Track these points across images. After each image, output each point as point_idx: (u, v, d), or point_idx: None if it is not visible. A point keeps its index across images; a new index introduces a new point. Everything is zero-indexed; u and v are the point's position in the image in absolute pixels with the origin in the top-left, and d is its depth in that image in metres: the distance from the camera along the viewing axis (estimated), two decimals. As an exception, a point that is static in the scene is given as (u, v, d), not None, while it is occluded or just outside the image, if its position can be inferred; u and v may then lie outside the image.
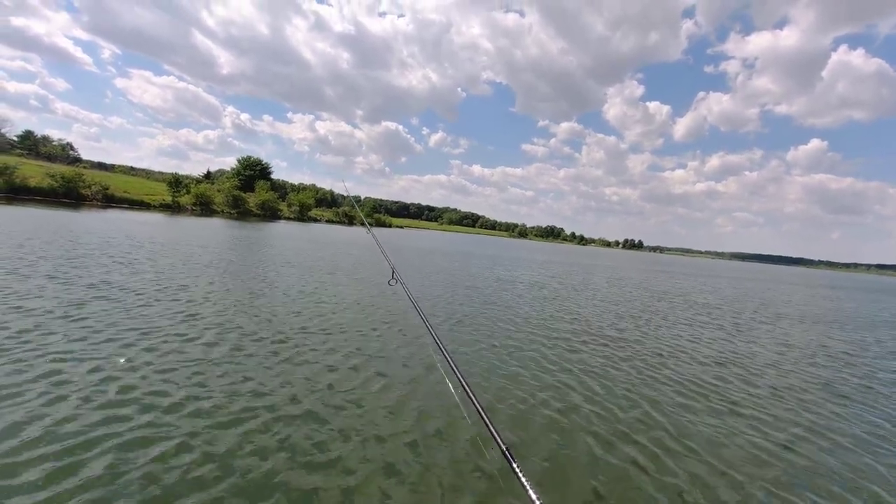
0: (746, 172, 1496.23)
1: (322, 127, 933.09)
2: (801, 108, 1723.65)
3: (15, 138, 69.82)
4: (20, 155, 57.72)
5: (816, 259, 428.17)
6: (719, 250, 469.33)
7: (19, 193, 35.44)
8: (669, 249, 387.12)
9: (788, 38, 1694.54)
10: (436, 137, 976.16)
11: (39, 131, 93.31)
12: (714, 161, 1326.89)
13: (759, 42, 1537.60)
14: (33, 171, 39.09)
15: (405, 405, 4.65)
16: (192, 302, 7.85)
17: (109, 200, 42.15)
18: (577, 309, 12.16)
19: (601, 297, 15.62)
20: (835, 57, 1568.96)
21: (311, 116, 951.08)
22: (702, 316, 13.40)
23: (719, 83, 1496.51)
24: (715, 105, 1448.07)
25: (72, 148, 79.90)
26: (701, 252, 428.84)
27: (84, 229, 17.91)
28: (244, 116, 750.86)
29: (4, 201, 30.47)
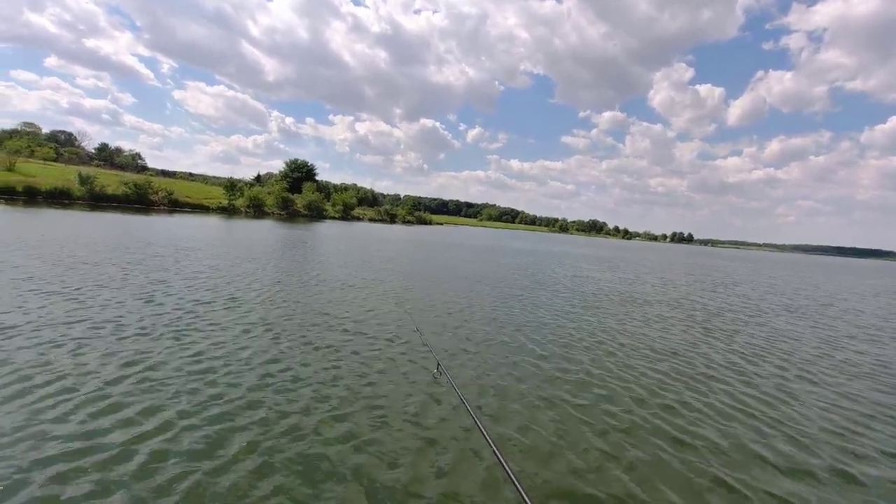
0: (812, 157, 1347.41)
1: (362, 127, 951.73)
2: (880, 83, 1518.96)
3: (93, 150, 76.78)
4: (98, 165, 63.29)
5: (895, 250, 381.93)
6: (778, 242, 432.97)
7: (99, 201, 38.50)
8: (722, 242, 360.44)
9: (864, 3, 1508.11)
10: (473, 133, 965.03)
11: (112, 143, 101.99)
12: (774, 146, 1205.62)
13: (827, 11, 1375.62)
14: (109, 180, 42.31)
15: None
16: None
17: (174, 205, 44.91)
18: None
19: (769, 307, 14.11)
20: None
21: (351, 117, 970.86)
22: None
23: (781, 60, 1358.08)
24: (775, 85, 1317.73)
25: (140, 157, 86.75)
26: (759, 245, 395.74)
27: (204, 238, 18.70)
28: (289, 120, 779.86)
29: (88, 208, 33.09)
